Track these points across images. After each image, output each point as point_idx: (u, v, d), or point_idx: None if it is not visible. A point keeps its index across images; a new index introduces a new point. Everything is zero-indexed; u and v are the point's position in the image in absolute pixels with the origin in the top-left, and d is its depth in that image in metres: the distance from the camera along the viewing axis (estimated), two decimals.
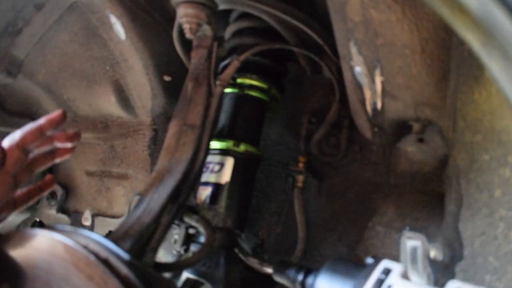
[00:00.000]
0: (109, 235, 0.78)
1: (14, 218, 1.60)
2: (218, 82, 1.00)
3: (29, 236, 0.68)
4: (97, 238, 0.67)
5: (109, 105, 1.42)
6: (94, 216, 1.51)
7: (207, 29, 0.99)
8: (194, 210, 1.05)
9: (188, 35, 1.00)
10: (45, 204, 1.60)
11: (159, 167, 0.92)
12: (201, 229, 1.00)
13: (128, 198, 1.47)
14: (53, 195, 1.59)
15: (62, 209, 1.57)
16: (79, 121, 1.52)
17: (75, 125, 1.53)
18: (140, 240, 0.78)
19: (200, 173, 0.95)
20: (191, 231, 1.06)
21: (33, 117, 1.54)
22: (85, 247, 0.64)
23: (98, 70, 1.36)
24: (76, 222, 1.55)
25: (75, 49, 1.33)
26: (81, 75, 1.38)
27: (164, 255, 1.22)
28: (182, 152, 0.92)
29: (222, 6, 1.06)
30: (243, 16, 1.17)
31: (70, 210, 1.57)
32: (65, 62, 1.36)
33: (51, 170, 1.64)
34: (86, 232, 0.69)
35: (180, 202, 0.89)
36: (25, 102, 1.50)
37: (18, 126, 1.50)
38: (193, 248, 1.04)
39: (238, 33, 1.19)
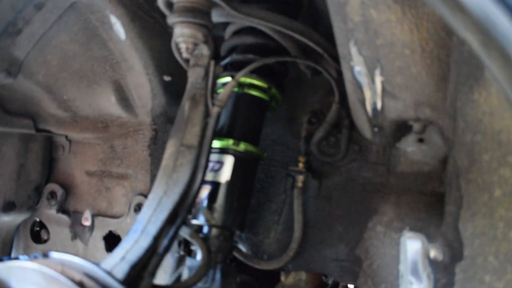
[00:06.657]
0: (107, 261, 0.76)
1: (14, 218, 1.60)
2: (215, 102, 0.99)
3: (22, 269, 0.67)
4: (92, 272, 0.67)
5: (109, 105, 1.42)
6: (94, 216, 1.52)
7: (203, 48, 0.98)
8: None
9: (184, 54, 1.00)
10: (45, 204, 1.60)
11: (156, 188, 0.91)
12: (197, 247, 1.00)
13: (128, 198, 1.48)
14: (53, 195, 1.59)
15: (62, 209, 1.57)
16: (79, 121, 1.53)
17: (75, 125, 1.53)
18: (138, 265, 0.76)
19: (197, 193, 0.94)
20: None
21: (33, 117, 1.54)
22: (80, 284, 0.64)
23: (98, 70, 1.36)
24: (76, 222, 1.55)
25: (75, 49, 1.33)
26: (81, 75, 1.38)
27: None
28: (179, 173, 0.91)
29: (220, 20, 1.06)
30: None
31: (70, 210, 1.57)
32: (65, 62, 1.36)
33: (51, 170, 1.65)
34: (81, 264, 0.68)
35: (177, 224, 0.87)
36: (25, 102, 1.50)
37: (18, 126, 1.52)
38: (188, 262, 1.04)
39: (237, 32, 1.19)
